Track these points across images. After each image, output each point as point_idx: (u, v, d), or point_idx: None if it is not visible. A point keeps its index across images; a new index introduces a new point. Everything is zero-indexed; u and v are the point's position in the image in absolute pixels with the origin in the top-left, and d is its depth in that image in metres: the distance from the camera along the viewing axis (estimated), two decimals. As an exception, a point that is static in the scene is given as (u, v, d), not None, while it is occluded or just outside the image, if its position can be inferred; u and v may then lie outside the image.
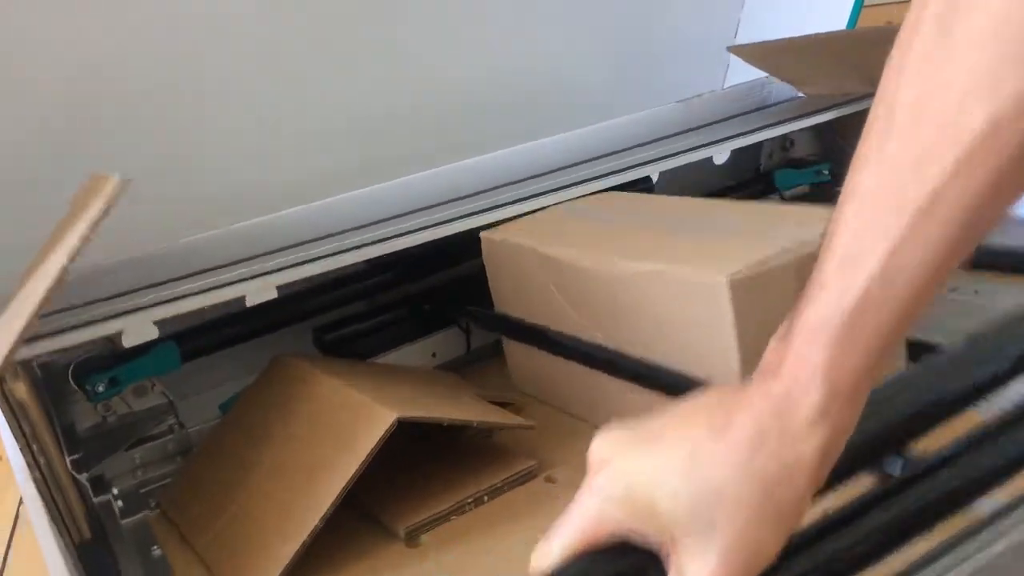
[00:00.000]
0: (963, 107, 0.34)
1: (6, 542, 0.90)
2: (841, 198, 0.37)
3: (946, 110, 0.34)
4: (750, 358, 0.62)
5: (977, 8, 0.34)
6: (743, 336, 0.61)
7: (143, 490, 0.83)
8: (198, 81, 0.91)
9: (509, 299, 0.88)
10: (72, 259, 0.58)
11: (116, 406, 0.84)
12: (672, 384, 0.68)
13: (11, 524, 0.94)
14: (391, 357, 0.95)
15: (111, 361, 0.79)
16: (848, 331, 0.35)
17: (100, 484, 0.81)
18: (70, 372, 0.78)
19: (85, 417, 0.83)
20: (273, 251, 0.86)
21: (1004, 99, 0.33)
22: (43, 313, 0.60)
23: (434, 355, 0.97)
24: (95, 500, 0.78)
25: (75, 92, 0.86)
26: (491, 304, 0.90)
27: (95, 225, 0.59)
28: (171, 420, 0.86)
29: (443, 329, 0.97)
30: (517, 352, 0.90)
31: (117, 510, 0.79)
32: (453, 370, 0.98)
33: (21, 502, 0.97)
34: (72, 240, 0.59)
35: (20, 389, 0.57)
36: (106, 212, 0.60)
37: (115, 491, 0.81)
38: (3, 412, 0.57)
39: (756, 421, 0.36)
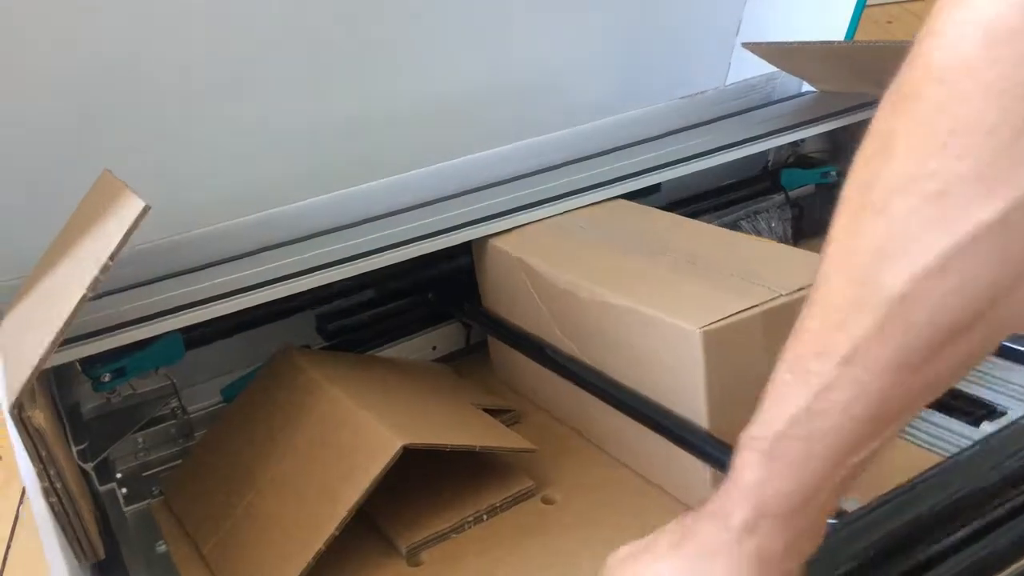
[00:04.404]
0: (879, 267, 0.34)
1: (6, 542, 0.92)
2: (796, 322, 0.38)
3: (863, 268, 0.34)
4: (716, 399, 0.66)
5: (892, 160, 0.34)
6: (711, 380, 0.66)
7: (145, 473, 0.85)
8: (202, 82, 0.91)
9: (496, 299, 0.90)
10: (94, 290, 0.58)
11: (119, 388, 0.85)
12: (641, 410, 0.72)
13: (11, 524, 0.95)
14: (392, 350, 0.96)
15: (117, 352, 0.80)
16: (774, 457, 0.37)
17: (104, 469, 0.82)
18: (77, 360, 0.79)
19: (89, 398, 0.85)
20: (282, 243, 0.86)
21: (917, 263, 0.33)
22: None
23: (434, 348, 0.98)
24: (100, 488, 0.80)
25: (79, 91, 0.86)
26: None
27: (116, 254, 0.59)
28: (174, 403, 0.87)
29: (444, 323, 0.98)
30: (501, 348, 0.93)
31: (121, 498, 0.81)
32: (451, 362, 0.99)
33: (21, 502, 0.99)
34: (92, 269, 0.59)
35: (39, 416, 0.58)
36: (126, 240, 0.60)
37: (119, 475, 0.83)
38: (22, 439, 0.58)
39: (704, 534, 0.39)
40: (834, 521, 0.48)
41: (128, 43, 0.88)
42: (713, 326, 0.64)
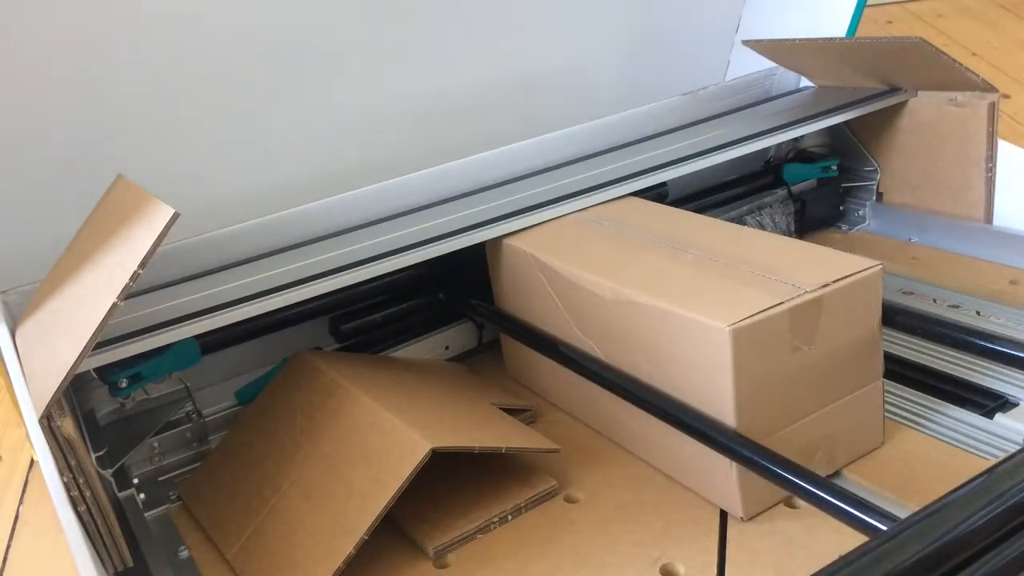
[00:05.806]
0: None
1: (6, 542, 0.92)
2: None
3: None
4: (744, 397, 0.67)
5: None
6: (739, 378, 0.66)
7: (161, 478, 0.85)
8: (210, 83, 0.91)
9: (509, 298, 0.90)
10: (124, 298, 0.58)
11: (134, 393, 0.84)
12: (665, 408, 0.72)
13: (11, 524, 0.95)
14: (405, 350, 0.96)
15: (134, 358, 0.79)
16: None
17: (121, 475, 0.82)
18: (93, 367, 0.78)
19: (104, 404, 0.84)
20: (298, 244, 0.86)
21: None
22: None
23: (447, 348, 0.98)
24: (119, 495, 0.80)
25: (87, 94, 0.85)
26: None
27: (146, 261, 0.59)
28: (188, 406, 0.87)
29: (456, 323, 0.98)
30: (514, 347, 0.94)
31: (140, 503, 0.80)
32: (463, 361, 0.99)
33: (21, 502, 0.98)
34: (122, 276, 0.58)
35: (68, 425, 0.58)
36: (156, 247, 0.59)
37: (135, 481, 0.82)
38: (51, 449, 0.57)
39: None
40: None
41: (140, 44, 0.87)
42: (742, 323, 0.65)
